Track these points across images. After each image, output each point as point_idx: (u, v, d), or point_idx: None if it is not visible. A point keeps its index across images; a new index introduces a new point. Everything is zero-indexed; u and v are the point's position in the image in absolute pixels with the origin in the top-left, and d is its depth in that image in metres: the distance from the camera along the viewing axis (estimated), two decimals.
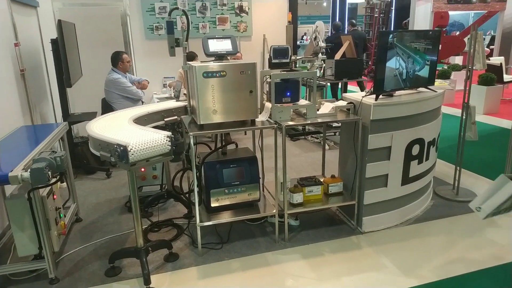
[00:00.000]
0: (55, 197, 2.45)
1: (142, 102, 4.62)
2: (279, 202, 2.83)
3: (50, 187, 2.37)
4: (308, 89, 5.45)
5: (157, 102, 5.18)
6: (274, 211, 2.74)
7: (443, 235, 2.87)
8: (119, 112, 2.90)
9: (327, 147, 4.98)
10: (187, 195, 3.15)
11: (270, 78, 2.64)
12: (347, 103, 2.84)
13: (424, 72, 2.97)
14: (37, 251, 2.32)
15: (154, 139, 2.08)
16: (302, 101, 2.84)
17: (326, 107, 2.85)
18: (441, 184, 3.73)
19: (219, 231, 2.91)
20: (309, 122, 2.67)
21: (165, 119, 3.00)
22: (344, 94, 2.96)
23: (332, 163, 4.32)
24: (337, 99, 3.04)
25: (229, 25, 6.57)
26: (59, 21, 3.57)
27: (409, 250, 2.69)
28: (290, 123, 2.62)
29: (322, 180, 3.02)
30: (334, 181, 2.96)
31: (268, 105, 2.72)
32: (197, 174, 2.70)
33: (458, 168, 3.49)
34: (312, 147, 5.17)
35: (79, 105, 5.49)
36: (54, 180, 2.15)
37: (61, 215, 2.55)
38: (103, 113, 4.45)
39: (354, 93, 3.00)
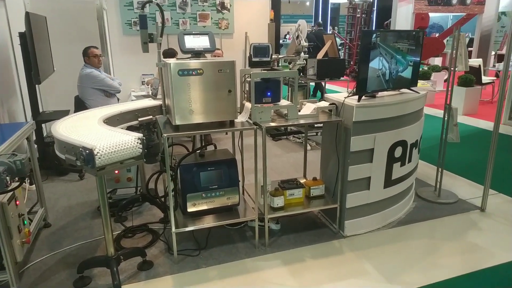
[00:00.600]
0: (17, 202, 2.27)
1: (118, 99, 4.44)
2: (259, 206, 2.72)
3: (11, 192, 2.19)
4: (290, 88, 5.38)
5: (134, 100, 5.01)
6: (254, 216, 2.63)
7: (425, 239, 2.82)
8: (89, 112, 2.73)
9: (308, 147, 4.90)
10: (162, 198, 3.01)
11: (250, 77, 2.53)
12: (329, 104, 2.75)
13: (407, 73, 2.92)
14: None
15: (124, 142, 1.94)
16: (284, 102, 2.74)
17: (308, 108, 2.76)
18: (423, 186, 3.71)
19: (196, 237, 2.78)
20: (290, 123, 2.56)
21: (139, 119, 2.85)
22: (326, 95, 2.88)
23: (314, 164, 4.24)
24: (317, 98, 2.96)
25: (210, 22, 6.42)
26: (27, 13, 3.36)
27: (392, 254, 2.63)
28: (271, 124, 2.51)
29: (303, 182, 2.93)
30: (316, 183, 2.88)
31: (248, 105, 2.61)
32: (173, 177, 2.57)
33: (440, 169, 3.46)
34: (294, 147, 5.09)
35: (52, 103, 5.24)
36: (13, 185, 1.98)
37: (25, 222, 2.37)
38: (76, 111, 4.25)
39: (336, 93, 2.92)
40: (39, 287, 2.31)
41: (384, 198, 2.90)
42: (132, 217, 3.13)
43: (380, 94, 2.84)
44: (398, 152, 2.85)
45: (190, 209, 2.54)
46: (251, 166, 2.52)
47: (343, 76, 4.94)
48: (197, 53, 2.42)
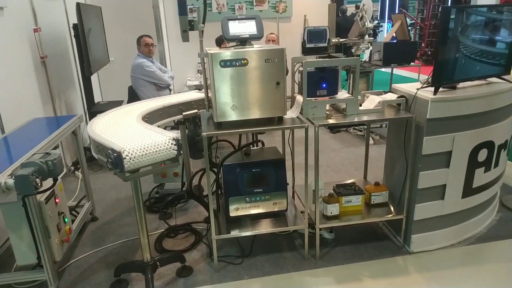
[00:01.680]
0: (57, 200, 2.21)
1: (170, 90, 4.34)
2: (310, 212, 2.42)
3: (51, 190, 2.13)
4: (350, 75, 4.90)
5: (186, 90, 4.90)
6: (304, 225, 2.33)
7: (510, 262, 2.32)
8: (132, 106, 2.60)
9: (371, 141, 4.45)
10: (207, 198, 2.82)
11: (302, 67, 2.19)
12: (398, 97, 2.32)
13: (497, 59, 2.37)
14: (36, 261, 2.09)
15: (157, 143, 1.74)
16: (342, 93, 2.37)
17: (371, 101, 2.36)
18: (510, 193, 3.11)
19: (240, 241, 2.56)
20: (349, 120, 2.19)
21: (184, 113, 2.67)
22: (395, 85, 2.44)
23: (377, 161, 3.80)
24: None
25: (267, 5, 6.08)
26: (77, 4, 3.32)
27: (468, 278, 2.18)
28: (327, 121, 2.17)
29: (363, 187, 2.55)
30: (378, 189, 2.49)
31: (299, 98, 2.28)
32: (216, 177, 2.35)
33: None
34: (355, 141, 4.64)
35: (111, 93, 5.33)
36: (43, 188, 1.88)
37: (66, 220, 2.31)
38: (129, 102, 4.23)
39: (407, 84, 2.47)
40: (77, 287, 2.25)
41: (461, 209, 2.43)
42: (175, 214, 2.99)
43: (461, 84, 2.34)
44: (482, 155, 2.35)
45: (233, 213, 2.31)
46: (304, 162, 2.19)
47: (413, 61, 4.35)
48: (242, 41, 2.14)
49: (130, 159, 1.64)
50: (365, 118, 2.21)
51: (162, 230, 2.77)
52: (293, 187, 2.80)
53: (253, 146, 2.67)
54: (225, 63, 2.01)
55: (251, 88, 2.07)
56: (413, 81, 2.58)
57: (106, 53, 4.31)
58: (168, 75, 4.19)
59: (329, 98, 2.25)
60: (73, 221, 2.68)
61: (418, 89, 2.24)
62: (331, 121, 2.18)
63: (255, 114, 2.12)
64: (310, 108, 2.20)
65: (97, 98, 5.23)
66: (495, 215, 2.80)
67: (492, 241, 2.52)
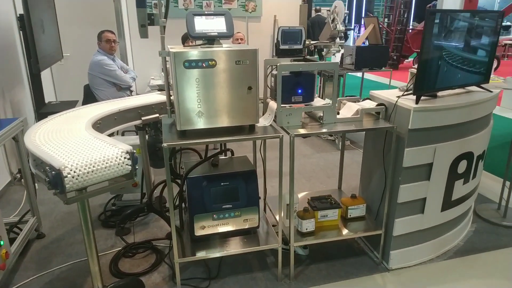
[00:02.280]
0: None
1: (132, 91, 4.01)
2: (283, 228, 2.22)
3: None
4: (322, 79, 4.77)
5: (148, 91, 4.58)
6: (277, 244, 2.12)
7: (489, 277, 2.23)
8: (83, 109, 2.28)
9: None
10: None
11: (276, 70, 1.99)
12: (377, 105, 2.17)
13: (478, 67, 2.28)
14: None
15: (106, 157, 1.47)
16: (317, 100, 2.19)
17: (349, 109, 2.20)
18: (484, 202, 3.07)
19: (207, 261, 2.32)
20: (326, 130, 2.01)
21: (143, 118, 2.39)
22: (373, 92, 2.29)
23: (348, 168, 3.69)
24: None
25: (236, 3, 5.87)
26: None
27: None
28: (301, 131, 1.97)
29: (339, 200, 2.39)
30: (355, 202, 2.33)
31: (273, 105, 2.08)
32: (179, 191, 2.10)
33: (507, 183, 2.82)
34: (325, 146, 4.51)
35: (64, 92, 4.91)
36: None
37: (1, 243, 1.98)
38: (84, 102, 3.87)
39: (386, 90, 2.33)
40: None
41: (440, 223, 2.32)
42: (134, 230, 2.70)
43: (440, 93, 2.23)
44: (462, 167, 2.25)
45: (198, 232, 2.07)
46: (275, 168, 1.97)
47: (385, 66, 4.28)
48: (210, 39, 1.90)
49: (73, 177, 1.37)
50: (342, 128, 2.03)
51: (119, 249, 2.48)
52: (264, 199, 2.59)
53: (222, 155, 2.44)
54: (190, 64, 1.76)
55: (219, 93, 1.84)
56: (384, 87, 2.46)
57: (59, 48, 3.91)
58: (130, 76, 3.86)
59: (305, 105, 2.06)
60: (14, 239, 2.33)
61: (398, 97, 2.10)
62: (306, 130, 1.99)
63: (224, 122, 1.89)
64: (285, 115, 2.00)
65: (51, 97, 4.80)
66: (470, 226, 2.73)
67: (470, 254, 2.43)
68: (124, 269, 2.31)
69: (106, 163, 1.46)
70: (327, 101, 2.13)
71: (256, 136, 1.91)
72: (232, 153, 2.41)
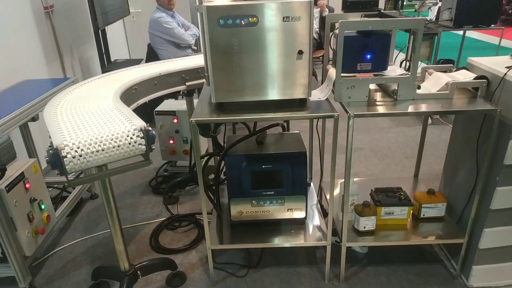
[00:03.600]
0: (27, 186, 1.84)
1: (193, 50, 3.80)
2: (336, 221, 1.88)
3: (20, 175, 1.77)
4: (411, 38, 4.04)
5: None
6: (326, 241, 1.79)
7: None
8: (125, 71, 2.11)
9: (428, 121, 3.68)
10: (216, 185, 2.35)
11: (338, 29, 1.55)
12: (476, 77, 1.61)
13: None
14: (0, 255, 1.78)
15: (115, 135, 1.25)
16: (393, 68, 1.71)
17: (436, 81, 1.68)
18: None
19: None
20: (400, 111, 1.54)
21: (187, 83, 2.14)
22: (473, 60, 1.71)
23: (433, 148, 3.12)
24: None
25: None
26: None
27: None
28: (364, 110, 1.54)
29: (411, 195, 1.93)
30: (432, 200, 1.86)
31: (332, 73, 1.66)
32: (218, 169, 1.86)
33: None
34: (408, 118, 3.88)
35: (136, 50, 4.92)
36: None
37: (43, 207, 1.97)
38: (147, 61, 3.78)
39: (489, 58, 1.73)
40: (53, 285, 1.93)
41: None
42: (179, 200, 2.57)
43: None
44: None
45: (236, 218, 1.83)
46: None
47: (496, 23, 3.41)
48: None
49: (74, 157, 1.18)
50: (424, 108, 1.55)
51: (163, 219, 2.38)
52: (320, 183, 2.24)
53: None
54: (225, 22, 1.42)
55: (261, 58, 1.48)
56: (491, 50, 1.83)
57: (125, 4, 3.81)
58: (190, 33, 3.64)
59: (375, 75, 1.60)
60: (64, 199, 2.36)
61: (508, 68, 1.52)
62: (371, 109, 1.55)
63: (266, 94, 1.55)
64: (345, 88, 1.58)
65: (124, 55, 4.85)
66: None
67: None
68: (164, 242, 2.20)
69: (115, 142, 1.24)
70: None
71: (303, 115, 1.53)
72: (284, 129, 2.07)
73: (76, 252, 2.16)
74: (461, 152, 1.84)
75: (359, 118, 1.50)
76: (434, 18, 3.98)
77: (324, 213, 2.03)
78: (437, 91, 1.62)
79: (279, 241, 1.80)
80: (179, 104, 2.75)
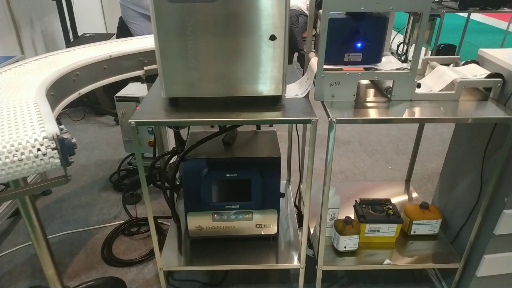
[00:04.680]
0: None
1: None
2: (312, 238, 1.61)
3: None
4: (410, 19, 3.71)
5: None
6: (299, 263, 1.52)
7: None
8: (68, 52, 1.76)
9: None
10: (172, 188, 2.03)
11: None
12: (488, 75, 1.31)
13: None
14: None
15: (15, 147, 0.94)
16: (388, 59, 1.40)
17: (439, 77, 1.38)
18: None
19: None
20: (395, 116, 1.24)
21: (145, 68, 1.81)
22: (485, 52, 1.41)
23: (428, 143, 2.85)
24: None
25: None
26: None
27: None
28: (353, 114, 1.24)
29: (402, 207, 1.67)
30: (425, 215, 1.59)
31: (314, 63, 1.34)
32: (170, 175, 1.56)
33: None
34: None
35: (110, 24, 4.48)
36: None
37: None
38: (118, 36, 3.39)
39: (505, 49, 1.43)
40: None
41: None
42: (138, 202, 2.28)
43: None
44: None
45: (194, 233, 1.54)
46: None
47: (506, 5, 3.08)
48: None
49: None
50: (423, 112, 1.25)
51: (121, 223, 2.09)
52: (298, 188, 1.96)
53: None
54: None
55: (222, 45, 1.16)
56: (497, 35, 1.57)
57: None
58: None
59: (365, 68, 1.29)
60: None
61: None
62: (357, 112, 1.25)
63: (230, 89, 1.24)
64: (328, 84, 1.27)
65: (96, 28, 4.41)
66: None
67: None
68: (118, 251, 1.92)
69: (15, 155, 0.93)
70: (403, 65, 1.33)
71: (274, 119, 1.22)
72: (258, 127, 1.77)
73: (15, 262, 1.87)
74: (462, 160, 1.57)
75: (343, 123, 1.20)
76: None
77: (301, 223, 1.76)
78: (440, 90, 1.32)
79: (245, 262, 1.53)
80: (145, 89, 2.41)
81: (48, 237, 1.97)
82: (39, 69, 1.50)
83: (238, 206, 1.47)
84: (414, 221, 1.59)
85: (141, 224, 2.09)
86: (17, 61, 2.02)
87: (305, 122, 1.20)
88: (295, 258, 1.54)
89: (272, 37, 1.16)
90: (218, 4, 1.11)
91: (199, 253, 1.57)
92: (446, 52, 3.37)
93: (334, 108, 1.25)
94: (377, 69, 1.29)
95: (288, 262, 1.52)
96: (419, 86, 1.29)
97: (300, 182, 1.95)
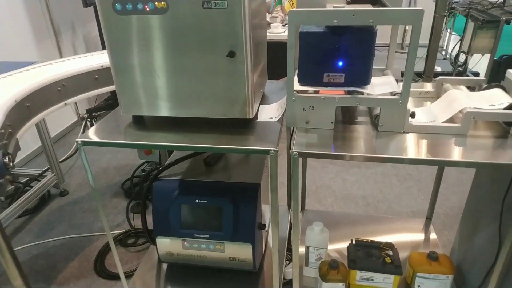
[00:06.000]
0: None
1: None
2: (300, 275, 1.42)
3: None
4: (473, 25, 3.28)
5: None
6: None
7: None
8: (60, 63, 1.77)
9: None
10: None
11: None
12: (509, 106, 1.02)
13: None
14: None
15: None
16: (384, 81, 1.17)
17: (447, 104, 1.11)
18: None
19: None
20: (368, 154, 1.01)
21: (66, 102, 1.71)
22: None
23: (461, 174, 2.49)
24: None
25: None
26: None
27: None
28: (312, 150, 1.04)
29: (406, 255, 1.40)
30: (432, 268, 1.31)
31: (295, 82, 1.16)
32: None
33: None
34: None
35: None
36: None
37: None
38: None
39: None
40: None
41: None
42: (131, 213, 2.24)
43: None
44: None
45: (164, 257, 1.44)
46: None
47: None
48: None
49: None
50: (413, 151, 1.00)
51: (120, 232, 2.07)
52: (290, 219, 1.76)
53: None
54: (123, 6, 1.00)
55: (177, 60, 1.05)
56: None
57: None
58: None
59: (346, 91, 1.08)
60: (21, 193, 2.15)
61: None
62: (328, 146, 1.05)
63: (188, 110, 1.12)
64: (301, 109, 1.09)
65: None
66: None
67: None
68: (110, 262, 1.90)
69: None
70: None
71: (231, 147, 1.07)
72: None
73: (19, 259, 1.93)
74: (483, 206, 1.27)
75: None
76: (501, 1, 3.16)
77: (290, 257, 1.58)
78: (445, 121, 1.06)
79: None
80: None
81: (50, 240, 2.03)
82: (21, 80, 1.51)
83: (207, 236, 1.34)
84: (418, 274, 1.32)
85: (139, 236, 2.06)
86: (33, 68, 2.11)
87: (262, 152, 1.03)
88: None
89: (231, 54, 1.02)
90: (168, 17, 0.99)
91: (173, 278, 1.47)
92: (509, 65, 2.88)
93: (307, 136, 1.07)
94: (363, 93, 1.08)
95: None
96: (413, 115, 1.04)
97: (290, 214, 1.76)
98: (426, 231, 1.66)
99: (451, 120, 1.06)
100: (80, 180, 2.60)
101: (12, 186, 2.42)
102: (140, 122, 1.22)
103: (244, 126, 1.15)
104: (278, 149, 1.02)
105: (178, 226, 1.34)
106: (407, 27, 5.50)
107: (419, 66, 4.63)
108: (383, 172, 2.55)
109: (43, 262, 1.92)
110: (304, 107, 1.08)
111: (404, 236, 1.61)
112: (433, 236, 1.62)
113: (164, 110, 1.13)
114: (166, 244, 1.40)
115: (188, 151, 1.42)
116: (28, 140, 2.79)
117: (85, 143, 1.11)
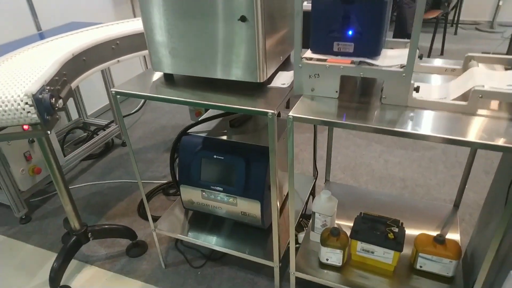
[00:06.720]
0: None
1: None
2: (305, 239, 1.49)
3: None
4: None
5: None
6: (273, 262, 1.44)
7: None
8: (109, 26, 1.97)
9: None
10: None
11: None
12: None
13: None
14: None
15: (1, 99, 1.14)
16: (398, 53, 1.14)
17: (464, 81, 1.06)
18: None
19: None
20: (368, 124, 1.02)
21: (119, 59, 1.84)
22: None
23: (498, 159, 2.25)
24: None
25: None
26: None
27: None
28: (322, 116, 1.08)
29: (416, 237, 1.39)
30: (436, 251, 1.29)
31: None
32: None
33: None
34: None
35: None
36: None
37: None
38: None
39: None
40: (45, 222, 2.09)
41: None
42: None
43: None
44: None
45: (187, 205, 1.61)
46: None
47: None
48: None
49: None
50: (413, 126, 0.99)
51: (163, 182, 2.31)
52: (313, 186, 1.80)
53: None
54: None
55: (195, 24, 1.15)
56: None
57: None
58: None
59: (352, 61, 1.08)
60: (88, 138, 2.49)
61: None
62: (329, 113, 1.07)
63: (207, 71, 1.22)
64: (307, 76, 1.13)
65: None
66: None
67: None
68: (152, 207, 2.15)
69: (0, 106, 1.14)
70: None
71: (240, 108, 1.15)
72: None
73: (77, 196, 2.28)
74: (501, 194, 1.20)
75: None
76: None
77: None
78: (454, 98, 1.02)
79: (228, 247, 1.53)
80: None
81: (107, 181, 2.33)
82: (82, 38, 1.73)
83: (221, 189, 1.46)
84: (420, 254, 1.31)
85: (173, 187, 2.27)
86: (97, 28, 2.35)
87: (260, 113, 1.10)
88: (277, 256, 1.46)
89: (243, 18, 1.09)
90: None
91: (194, 225, 1.64)
92: None
93: (310, 103, 1.11)
94: (372, 64, 1.07)
95: (263, 258, 1.46)
96: (417, 89, 1.02)
97: (315, 181, 1.80)
98: (449, 217, 1.59)
99: (463, 98, 1.02)
100: (141, 134, 2.90)
101: (85, 134, 2.82)
102: (169, 80, 1.35)
103: (257, 89, 1.22)
104: (276, 112, 1.08)
105: (198, 177, 1.48)
106: (500, 3, 4.90)
107: (503, 47, 4.14)
108: (431, 157, 2.43)
109: (98, 199, 2.24)
110: (310, 74, 1.12)
111: (424, 220, 1.58)
112: (454, 223, 1.56)
113: (185, 70, 1.25)
114: (188, 192, 1.56)
115: (205, 107, 1.53)
116: (103, 95, 3.15)
117: (118, 93, 1.28)
